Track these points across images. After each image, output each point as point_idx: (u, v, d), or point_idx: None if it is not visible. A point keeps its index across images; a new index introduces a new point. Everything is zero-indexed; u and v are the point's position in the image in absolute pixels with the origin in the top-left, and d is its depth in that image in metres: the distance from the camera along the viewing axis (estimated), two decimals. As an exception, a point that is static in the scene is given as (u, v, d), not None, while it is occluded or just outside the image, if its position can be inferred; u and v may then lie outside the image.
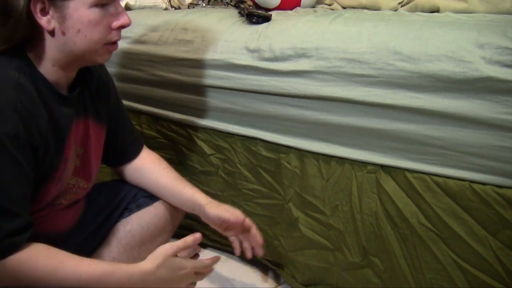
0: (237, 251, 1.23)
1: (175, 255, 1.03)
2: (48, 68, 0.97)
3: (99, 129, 1.16)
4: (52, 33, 0.94)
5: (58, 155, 1.01)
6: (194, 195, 1.22)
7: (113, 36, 0.98)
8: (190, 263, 1.06)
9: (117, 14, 0.97)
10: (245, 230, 1.20)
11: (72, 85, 1.06)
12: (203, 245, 1.48)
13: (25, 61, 0.94)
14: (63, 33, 0.94)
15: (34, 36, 0.94)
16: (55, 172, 1.02)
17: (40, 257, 0.93)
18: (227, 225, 1.17)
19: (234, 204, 1.38)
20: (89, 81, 1.12)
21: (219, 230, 1.21)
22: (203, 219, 1.20)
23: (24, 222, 0.93)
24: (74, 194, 1.13)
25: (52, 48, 0.95)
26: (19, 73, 0.92)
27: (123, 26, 0.98)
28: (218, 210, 1.17)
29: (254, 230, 1.20)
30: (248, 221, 1.20)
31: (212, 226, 1.21)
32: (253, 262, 1.41)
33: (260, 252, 1.21)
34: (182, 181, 1.26)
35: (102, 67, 1.19)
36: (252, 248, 1.22)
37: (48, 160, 0.98)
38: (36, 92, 0.94)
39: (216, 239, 1.46)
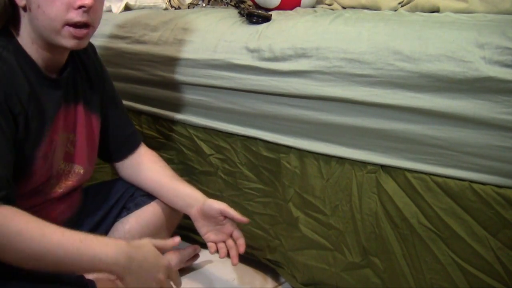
0: (214, 250, 1.20)
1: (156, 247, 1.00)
2: (29, 47, 0.99)
3: (91, 117, 1.17)
4: (24, 9, 0.97)
5: (41, 134, 1.02)
6: (193, 191, 1.24)
7: (72, 16, 0.96)
8: (165, 261, 1.00)
9: None
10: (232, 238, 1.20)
11: (63, 70, 1.07)
12: (202, 245, 1.48)
13: (10, 42, 0.97)
14: (30, 9, 0.96)
15: (15, 16, 0.98)
16: (37, 150, 1.01)
17: (14, 219, 0.87)
18: (223, 217, 1.18)
19: (235, 204, 1.37)
20: (82, 68, 1.14)
21: (203, 231, 1.21)
22: (196, 214, 1.21)
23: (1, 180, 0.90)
24: (69, 181, 1.13)
25: (26, 25, 0.98)
26: (4, 49, 0.95)
27: (82, 6, 0.96)
28: (219, 203, 1.18)
29: (242, 241, 1.18)
30: (237, 231, 1.19)
31: (199, 225, 1.21)
32: (253, 262, 1.41)
33: (234, 261, 1.17)
34: (179, 180, 1.27)
35: (97, 58, 1.21)
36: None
37: (30, 135, 0.99)
38: (19, 68, 0.96)
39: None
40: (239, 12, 1.35)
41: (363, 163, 1.12)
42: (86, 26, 0.98)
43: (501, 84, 0.91)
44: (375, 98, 1.05)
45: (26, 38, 0.98)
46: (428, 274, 1.06)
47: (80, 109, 1.13)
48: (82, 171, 1.16)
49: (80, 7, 0.95)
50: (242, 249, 1.18)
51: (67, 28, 0.96)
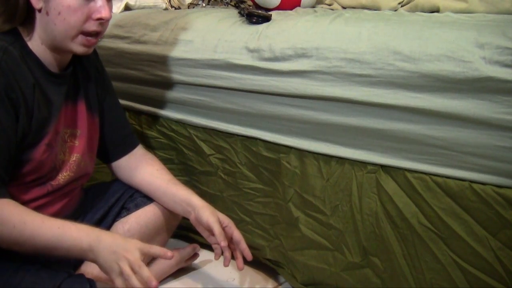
0: (218, 256, 1.20)
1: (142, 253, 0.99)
2: (38, 46, 1.05)
3: (93, 115, 1.21)
4: (40, 12, 1.02)
5: (47, 124, 1.06)
6: (189, 197, 1.22)
7: (90, 25, 1.03)
8: (135, 241, 1.00)
9: (99, 7, 1.03)
10: (232, 242, 1.18)
11: (66, 68, 1.12)
12: (202, 244, 1.48)
13: (17, 40, 1.02)
14: (47, 13, 1.01)
15: (28, 16, 1.03)
16: (42, 138, 1.06)
17: (5, 211, 0.95)
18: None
19: (235, 204, 1.38)
20: (82, 69, 1.18)
21: (205, 235, 1.20)
22: (194, 222, 1.20)
23: None
24: (71, 172, 1.16)
25: (39, 26, 1.03)
26: (10, 45, 1.00)
27: (101, 19, 1.03)
28: (213, 214, 1.16)
29: (243, 245, 1.17)
30: (237, 234, 1.18)
31: (200, 230, 1.21)
32: (253, 262, 1.41)
33: (240, 266, 1.16)
34: (176, 183, 1.26)
35: (99, 60, 1.25)
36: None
37: (34, 124, 1.03)
38: (23, 62, 1.01)
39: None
40: (239, 12, 1.35)
41: (363, 163, 1.12)
42: (97, 35, 1.06)
43: (501, 84, 0.91)
44: (375, 98, 1.05)
45: (35, 39, 1.04)
46: (428, 274, 1.06)
47: (82, 106, 1.17)
48: (82, 163, 1.18)
49: (98, 19, 1.03)
50: (248, 255, 1.16)
51: (81, 36, 1.03)
